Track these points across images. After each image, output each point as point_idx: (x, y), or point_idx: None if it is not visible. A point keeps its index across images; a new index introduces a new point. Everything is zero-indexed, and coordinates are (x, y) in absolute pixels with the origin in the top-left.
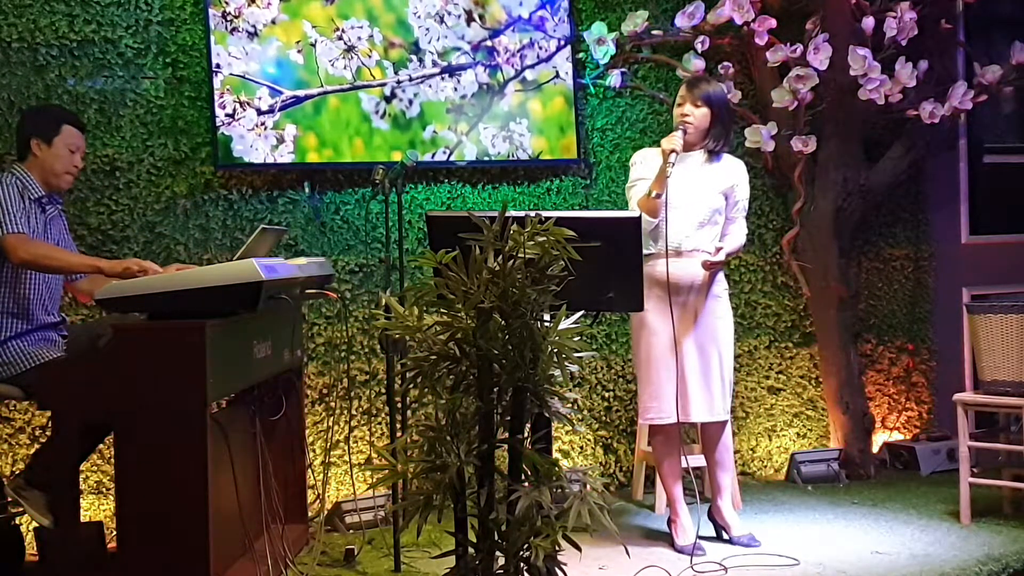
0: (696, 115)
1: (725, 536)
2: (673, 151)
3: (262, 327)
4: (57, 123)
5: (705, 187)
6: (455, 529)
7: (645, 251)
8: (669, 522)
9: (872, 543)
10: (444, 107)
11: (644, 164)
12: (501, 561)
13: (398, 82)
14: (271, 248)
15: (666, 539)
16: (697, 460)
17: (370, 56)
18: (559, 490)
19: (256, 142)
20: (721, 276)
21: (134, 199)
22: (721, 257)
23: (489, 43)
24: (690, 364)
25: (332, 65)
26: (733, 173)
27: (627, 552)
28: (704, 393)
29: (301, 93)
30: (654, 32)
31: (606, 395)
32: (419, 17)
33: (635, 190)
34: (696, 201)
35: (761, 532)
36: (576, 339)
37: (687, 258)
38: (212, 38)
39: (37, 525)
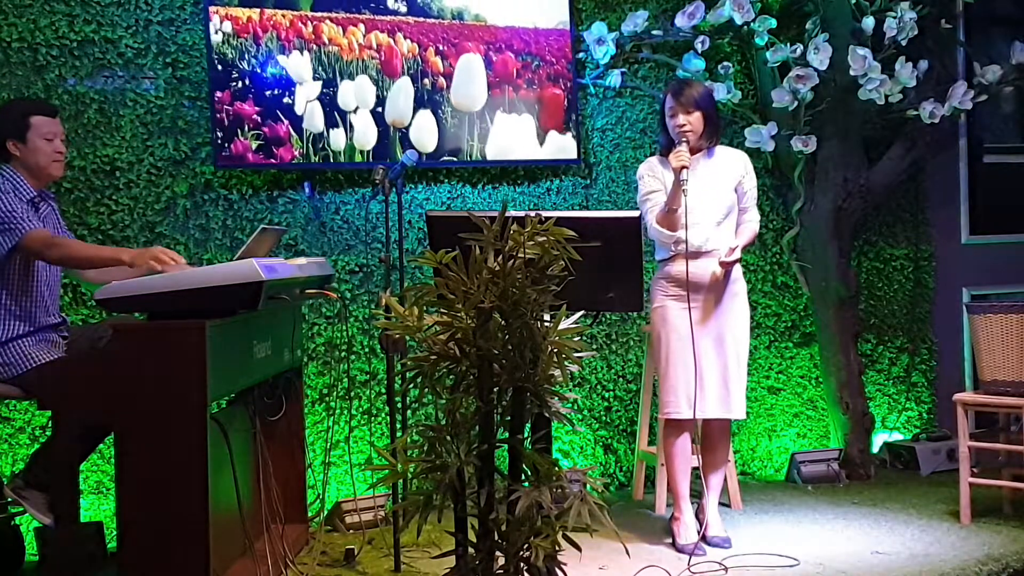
0: (692, 122)
1: (699, 532)
2: (684, 167)
3: (262, 327)
4: (24, 117)
5: (716, 187)
6: (455, 529)
7: (666, 253)
8: (672, 520)
9: (872, 543)
10: None
11: (653, 175)
12: (501, 561)
13: None
14: (271, 248)
15: (666, 539)
16: None
17: None
18: (559, 490)
19: None
20: (740, 275)
21: (134, 199)
22: (737, 255)
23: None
24: (708, 362)
25: None
26: (739, 166)
27: (627, 552)
28: (722, 390)
29: None
30: (654, 32)
31: (606, 395)
32: None
33: (650, 204)
34: (710, 202)
35: (761, 532)
36: (576, 339)
37: (707, 258)
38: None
39: (37, 525)
